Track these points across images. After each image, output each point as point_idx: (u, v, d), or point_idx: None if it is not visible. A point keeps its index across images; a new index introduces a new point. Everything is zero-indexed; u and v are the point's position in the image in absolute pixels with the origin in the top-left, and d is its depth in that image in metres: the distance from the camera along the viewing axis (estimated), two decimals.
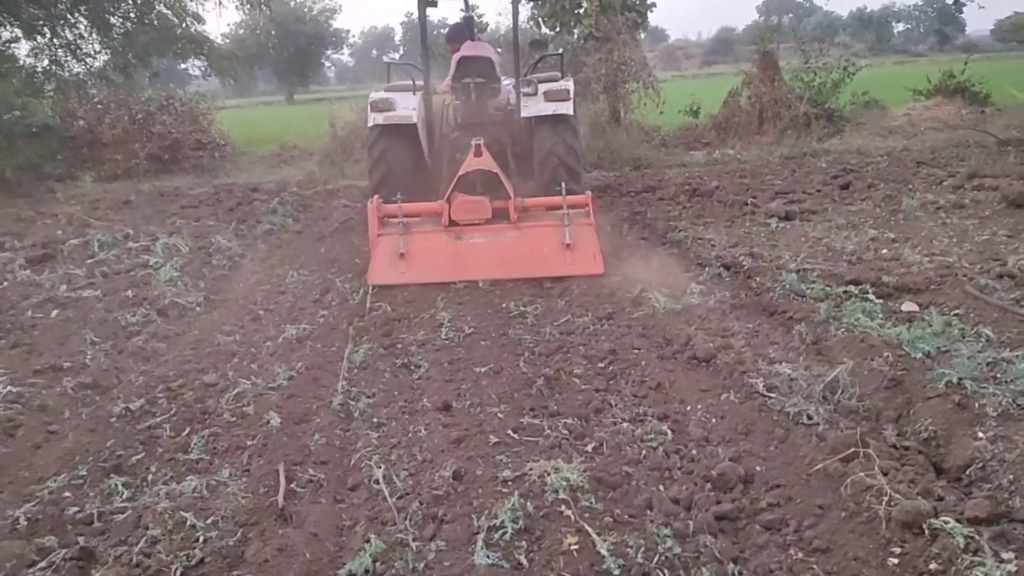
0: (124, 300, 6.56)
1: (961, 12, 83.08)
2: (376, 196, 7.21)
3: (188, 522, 3.22)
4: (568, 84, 8.09)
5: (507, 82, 8.84)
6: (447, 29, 9.80)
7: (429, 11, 8.14)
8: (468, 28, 9.51)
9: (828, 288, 5.69)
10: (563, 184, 6.98)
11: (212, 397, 4.54)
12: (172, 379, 4.78)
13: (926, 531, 2.79)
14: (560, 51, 9.96)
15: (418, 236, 6.93)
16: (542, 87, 7.95)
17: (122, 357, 5.28)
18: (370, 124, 8.02)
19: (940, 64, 20.12)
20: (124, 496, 3.51)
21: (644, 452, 3.60)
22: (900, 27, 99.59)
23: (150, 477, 3.69)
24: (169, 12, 19.43)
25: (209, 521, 3.24)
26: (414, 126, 7.89)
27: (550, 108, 7.77)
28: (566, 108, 7.77)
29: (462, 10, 9.94)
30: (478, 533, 3.00)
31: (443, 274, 6.70)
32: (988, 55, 48.07)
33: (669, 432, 3.77)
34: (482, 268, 6.71)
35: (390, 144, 7.92)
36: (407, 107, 7.89)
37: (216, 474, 3.65)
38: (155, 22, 19.11)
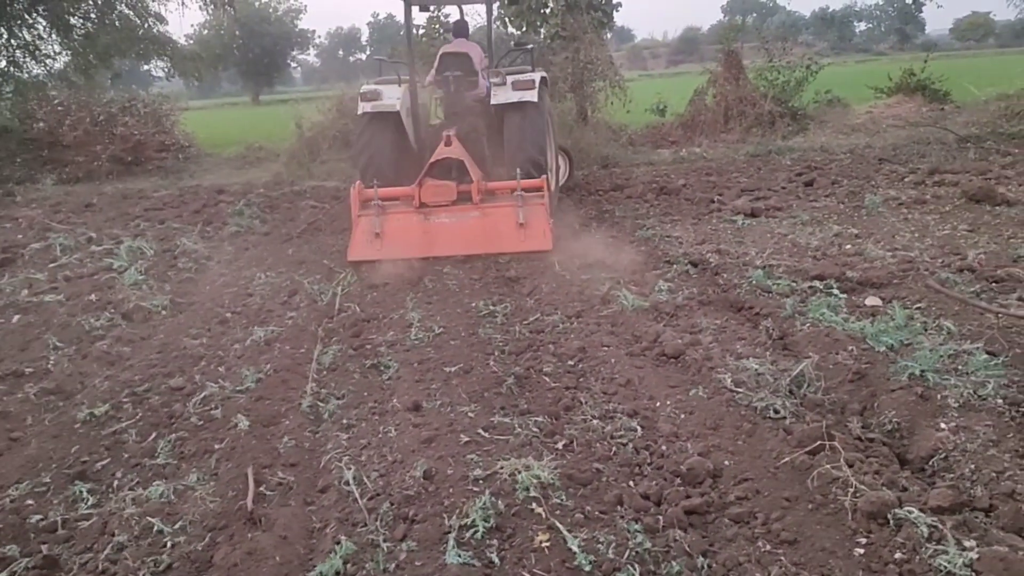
0: (87, 304, 6.45)
1: (921, 11, 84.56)
2: (358, 181, 7.83)
3: (155, 528, 3.19)
4: (534, 75, 8.52)
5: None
6: (454, 24, 10.58)
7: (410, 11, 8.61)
8: (463, 27, 10.08)
9: (794, 284, 5.77)
10: (518, 169, 7.63)
11: (179, 401, 4.49)
12: (138, 383, 4.71)
13: (891, 521, 2.84)
14: (531, 46, 10.32)
15: (392, 217, 7.59)
16: (510, 78, 8.41)
17: (86, 362, 5.20)
18: (359, 112, 8.56)
19: (901, 63, 20.45)
20: (89, 503, 3.46)
21: (614, 449, 3.62)
22: (862, 26, 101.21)
23: (116, 483, 3.65)
24: (131, 13, 19.13)
25: (177, 526, 3.21)
26: (397, 114, 8.44)
27: (516, 96, 8.26)
28: (531, 96, 8.23)
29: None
30: (449, 532, 2.99)
31: (413, 251, 7.35)
32: (947, 53, 49.07)
33: (639, 428, 3.79)
34: (447, 245, 7.41)
35: (376, 131, 8.48)
36: (392, 97, 8.44)
37: (183, 479, 3.61)
38: (116, 23, 18.80)
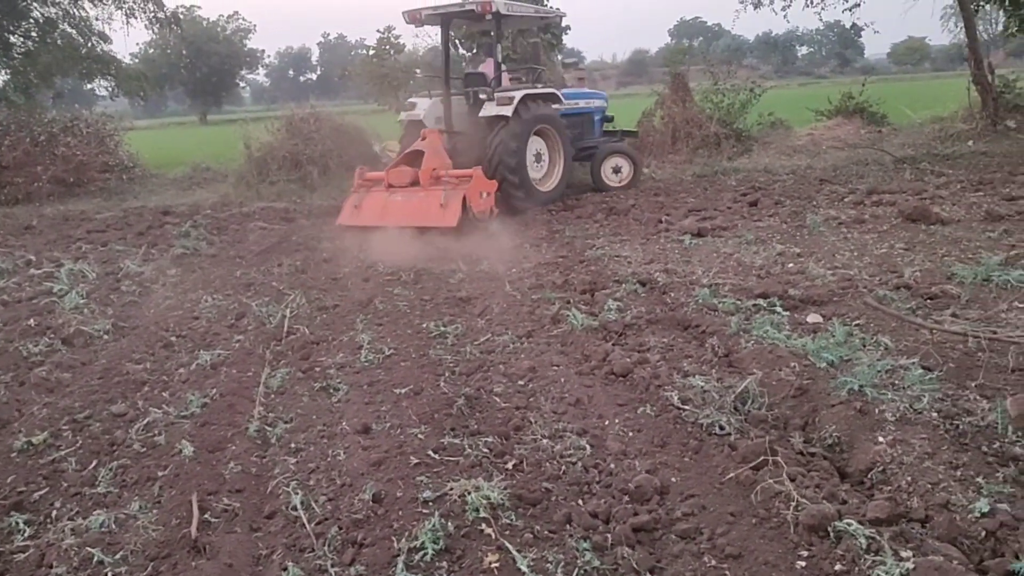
0: (26, 329, 6.28)
1: (860, 36, 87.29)
2: (360, 167, 10.35)
3: (95, 558, 3.11)
4: (517, 93, 10.48)
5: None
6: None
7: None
8: (491, 51, 12.27)
9: (738, 302, 5.87)
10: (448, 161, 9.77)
11: (121, 428, 4.39)
12: (78, 410, 4.60)
13: (831, 533, 2.91)
14: (540, 68, 12.59)
15: (370, 194, 9.81)
16: (497, 95, 10.46)
17: (24, 389, 5.06)
18: (398, 120, 11.42)
19: (841, 86, 21.08)
20: (26, 534, 3.36)
21: (563, 468, 3.64)
22: (804, 50, 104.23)
23: (54, 513, 3.55)
24: (73, 31, 18.84)
25: (118, 556, 3.14)
26: (421, 121, 10.85)
27: (495, 110, 10.37)
28: (506, 111, 10.28)
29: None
30: (398, 556, 2.98)
31: (374, 221, 9.42)
32: (885, 77, 50.69)
33: (588, 447, 3.82)
34: (394, 218, 9.35)
35: (407, 134, 10.96)
36: (421, 108, 11.08)
37: (125, 507, 3.53)
38: (59, 41, 18.48)
